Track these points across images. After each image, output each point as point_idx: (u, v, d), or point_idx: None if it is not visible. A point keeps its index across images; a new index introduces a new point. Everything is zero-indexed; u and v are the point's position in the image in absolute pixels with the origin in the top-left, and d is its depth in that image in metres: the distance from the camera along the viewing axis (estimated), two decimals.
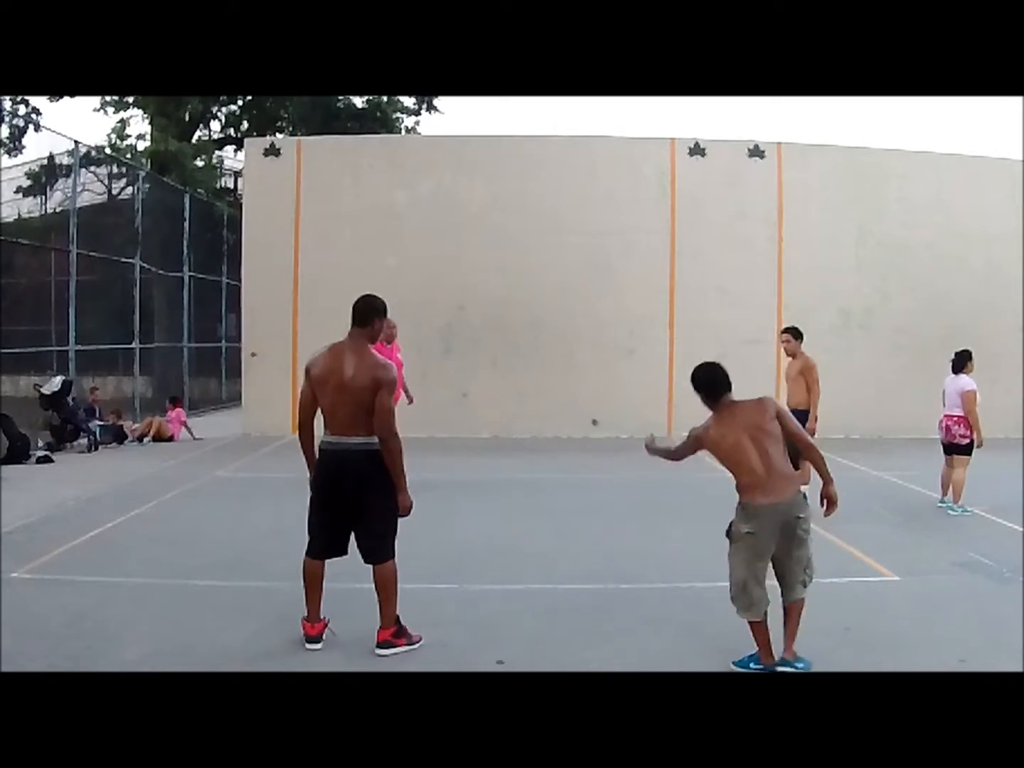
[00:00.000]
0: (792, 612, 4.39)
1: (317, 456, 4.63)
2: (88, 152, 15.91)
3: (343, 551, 4.64)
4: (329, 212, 13.91)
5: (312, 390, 4.56)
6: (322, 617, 4.64)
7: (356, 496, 4.50)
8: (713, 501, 8.54)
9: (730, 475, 4.32)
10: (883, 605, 5.48)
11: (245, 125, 22.83)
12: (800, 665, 4.36)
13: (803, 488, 7.80)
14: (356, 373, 4.45)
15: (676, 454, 4.59)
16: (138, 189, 16.43)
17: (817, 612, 5.28)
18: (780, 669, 4.31)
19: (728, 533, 4.37)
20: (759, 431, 4.22)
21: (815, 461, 4.37)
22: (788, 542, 4.25)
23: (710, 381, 4.38)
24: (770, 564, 4.33)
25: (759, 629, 4.35)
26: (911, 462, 11.14)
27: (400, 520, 4.62)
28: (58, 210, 16.04)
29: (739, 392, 4.31)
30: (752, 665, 4.40)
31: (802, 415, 7.93)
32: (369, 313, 4.63)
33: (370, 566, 4.58)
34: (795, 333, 8.27)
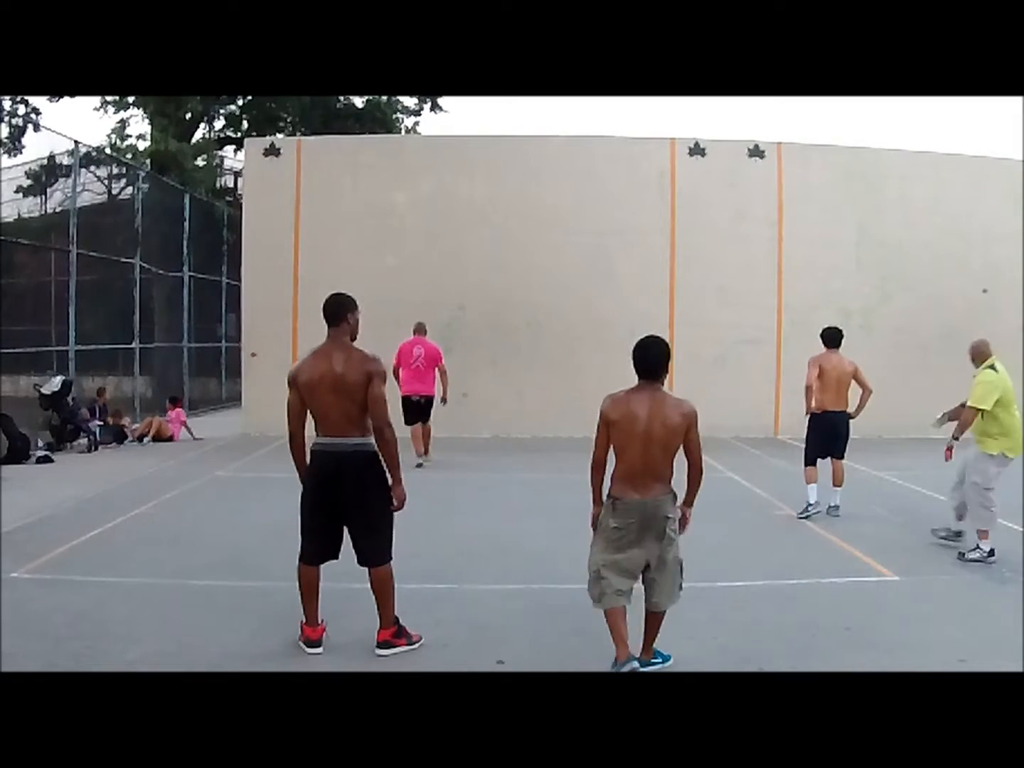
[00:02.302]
0: (654, 620, 4.31)
1: (310, 459, 4.60)
2: (88, 152, 15.90)
3: (336, 555, 4.63)
4: (329, 212, 13.91)
5: (300, 398, 4.50)
6: (321, 620, 4.63)
7: (353, 499, 4.48)
8: (711, 501, 8.55)
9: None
10: (883, 605, 5.48)
11: (245, 125, 22.83)
12: (658, 660, 4.31)
13: (836, 489, 7.93)
14: (347, 370, 4.42)
15: (598, 453, 4.26)
16: (138, 189, 16.44)
17: (817, 612, 5.30)
18: (639, 668, 4.19)
19: (594, 524, 4.33)
20: (661, 429, 4.11)
21: (693, 481, 4.29)
22: (657, 542, 4.19)
23: (648, 361, 4.23)
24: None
25: (614, 622, 4.22)
26: (911, 462, 11.14)
27: (398, 519, 4.62)
28: (58, 210, 16.06)
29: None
30: (619, 667, 4.19)
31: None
32: (340, 310, 4.58)
33: (365, 567, 4.57)
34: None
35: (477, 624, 5.02)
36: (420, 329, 11.16)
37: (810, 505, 7.92)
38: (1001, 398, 6.47)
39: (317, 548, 4.59)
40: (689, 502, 4.36)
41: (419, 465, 10.67)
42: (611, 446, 4.26)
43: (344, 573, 4.78)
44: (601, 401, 4.29)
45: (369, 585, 4.58)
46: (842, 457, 8.12)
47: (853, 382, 8.19)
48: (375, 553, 4.54)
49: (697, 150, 14.15)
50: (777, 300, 14.05)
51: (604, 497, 4.33)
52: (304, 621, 4.60)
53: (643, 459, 4.15)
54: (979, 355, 6.72)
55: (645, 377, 4.24)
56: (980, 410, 6.48)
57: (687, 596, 5.30)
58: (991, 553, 6.40)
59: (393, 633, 4.55)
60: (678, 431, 4.14)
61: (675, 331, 13.92)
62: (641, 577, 4.30)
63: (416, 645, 4.60)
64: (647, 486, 4.16)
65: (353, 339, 4.59)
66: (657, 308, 13.79)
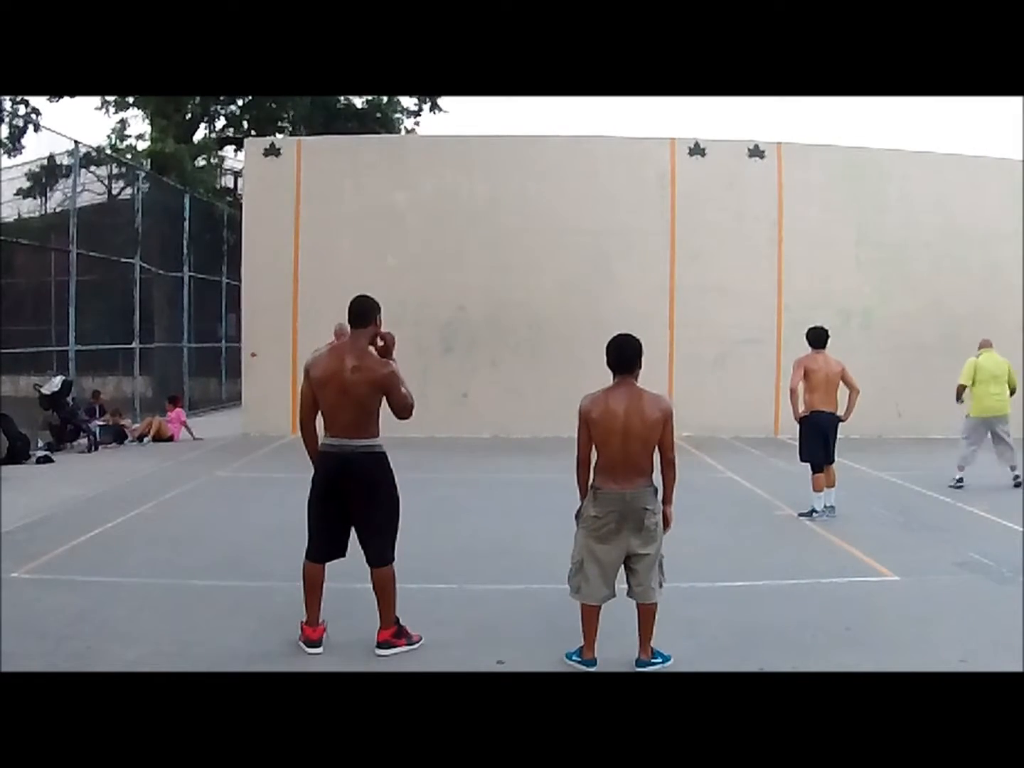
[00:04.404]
0: (645, 615, 4.38)
1: (318, 459, 4.62)
2: (88, 152, 15.90)
3: (343, 553, 4.64)
4: (329, 212, 13.91)
5: (312, 391, 4.55)
6: (321, 620, 4.63)
7: (360, 499, 4.49)
8: (712, 501, 8.56)
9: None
10: (883, 605, 5.48)
11: (245, 125, 22.84)
12: (658, 660, 4.36)
13: (829, 490, 7.93)
14: (357, 377, 4.44)
15: (581, 452, 4.41)
16: (138, 189, 16.43)
17: (817, 612, 5.30)
18: (638, 669, 4.32)
19: (577, 515, 4.43)
20: (640, 424, 4.23)
21: (668, 479, 4.40)
22: (637, 534, 4.27)
23: (618, 356, 4.36)
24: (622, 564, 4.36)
25: (588, 618, 4.36)
26: (911, 462, 11.15)
27: (401, 520, 4.63)
28: (58, 210, 16.05)
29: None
30: (575, 658, 4.40)
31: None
32: (368, 313, 4.60)
33: (368, 567, 4.58)
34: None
35: (477, 624, 5.02)
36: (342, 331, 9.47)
37: (815, 512, 7.90)
38: (977, 375, 9.47)
39: (323, 547, 4.60)
40: (668, 500, 4.43)
41: None
42: (592, 444, 4.36)
43: (344, 573, 4.79)
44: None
45: (370, 585, 4.58)
46: (832, 461, 8.06)
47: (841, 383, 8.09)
48: (378, 553, 4.55)
49: (697, 150, 14.14)
50: (777, 300, 14.04)
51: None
52: (304, 621, 4.60)
53: (623, 453, 4.26)
54: (980, 347, 9.78)
55: (621, 373, 4.36)
56: (962, 384, 9.55)
57: (687, 596, 5.33)
58: (960, 481, 9.42)
59: (393, 633, 4.55)
60: (656, 426, 4.26)
61: (675, 331, 13.94)
62: (624, 569, 4.38)
63: (416, 645, 4.60)
64: (628, 479, 4.27)
65: (373, 343, 4.58)
66: (657, 308, 13.80)
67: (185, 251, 17.55)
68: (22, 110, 19.16)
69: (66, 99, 19.28)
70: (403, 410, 4.53)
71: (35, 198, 18.26)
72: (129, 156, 19.58)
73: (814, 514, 7.88)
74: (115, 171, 18.59)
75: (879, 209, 14.15)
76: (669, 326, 13.89)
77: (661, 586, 4.40)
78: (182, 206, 17.52)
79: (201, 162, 21.81)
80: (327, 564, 4.64)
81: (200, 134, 22.84)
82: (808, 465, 8.01)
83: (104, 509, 8.10)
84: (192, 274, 17.80)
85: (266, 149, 14.34)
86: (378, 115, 22.83)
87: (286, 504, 7.19)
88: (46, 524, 7.54)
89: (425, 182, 14.03)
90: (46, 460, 11.06)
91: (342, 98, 22.38)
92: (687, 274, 13.94)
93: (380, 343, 4.57)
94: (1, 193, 16.33)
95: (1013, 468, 9.54)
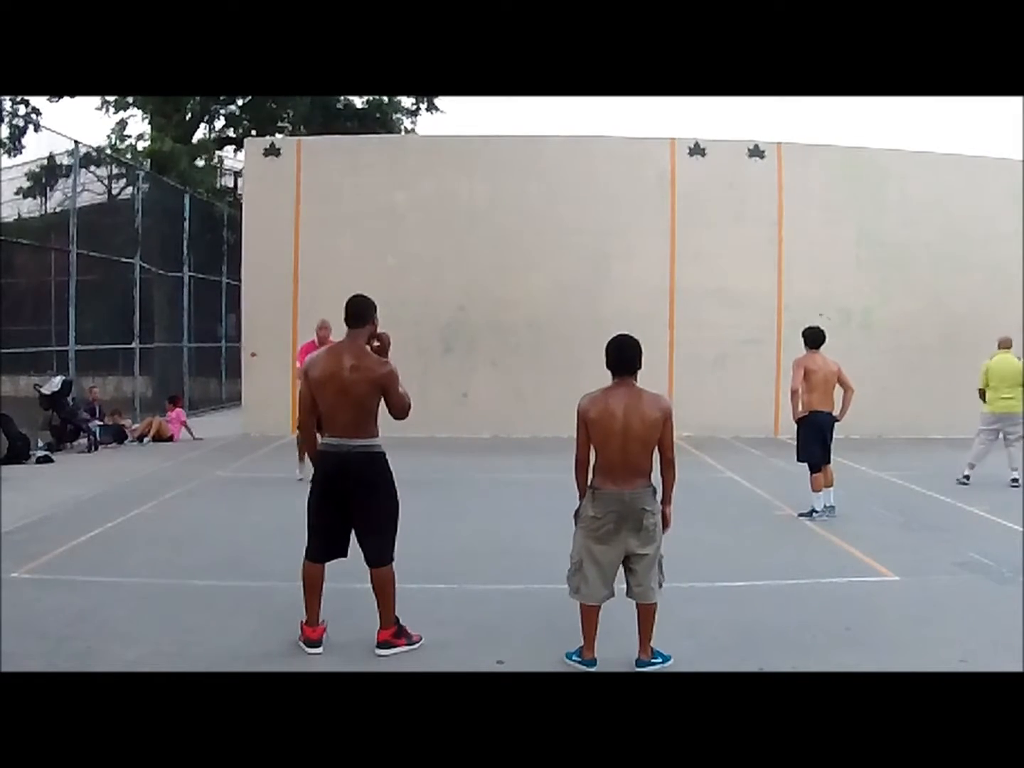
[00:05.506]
0: (645, 615, 4.38)
1: (317, 459, 4.62)
2: (88, 152, 15.90)
3: (343, 553, 4.64)
4: (329, 212, 13.92)
5: (311, 392, 4.55)
6: (321, 620, 4.63)
7: (359, 499, 4.50)
8: (712, 501, 8.56)
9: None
10: (883, 605, 5.48)
11: (245, 125, 22.83)
12: (658, 660, 4.36)
13: (828, 490, 7.93)
14: (356, 376, 4.44)
15: (580, 453, 4.41)
16: (138, 189, 16.43)
17: (817, 612, 5.30)
18: (637, 669, 4.32)
19: (576, 515, 4.42)
20: (639, 424, 4.22)
21: (667, 479, 4.40)
22: (635, 535, 4.27)
23: (618, 356, 4.36)
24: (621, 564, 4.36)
25: (587, 618, 4.37)
26: (911, 462, 11.15)
27: (400, 520, 4.63)
28: (58, 210, 16.03)
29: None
30: (575, 658, 4.40)
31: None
32: (364, 312, 4.60)
33: (368, 567, 4.58)
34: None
35: (477, 624, 5.02)
36: (324, 326, 9.19)
37: (815, 512, 7.90)
38: (988, 379, 9.85)
39: (323, 546, 4.60)
40: (668, 500, 4.42)
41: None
42: (591, 444, 4.36)
43: (344, 573, 4.79)
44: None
45: (370, 585, 4.58)
46: (829, 461, 8.05)
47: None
48: (377, 553, 4.55)
49: (697, 150, 14.15)
50: (777, 300, 14.04)
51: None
52: (304, 621, 4.60)
53: (622, 454, 4.26)
54: (999, 346, 10.03)
55: (621, 373, 4.35)
56: (981, 388, 9.98)
57: (687, 596, 5.33)
58: (967, 478, 9.72)
59: (393, 633, 4.55)
60: (655, 426, 4.26)
61: (675, 331, 13.94)
62: (624, 569, 4.38)
63: (416, 645, 4.60)
64: (627, 479, 4.27)
65: (369, 343, 4.58)
66: (657, 308, 13.80)
67: (185, 251, 17.54)
68: (22, 110, 19.15)
69: (66, 99, 19.28)
70: (401, 410, 4.54)
71: (35, 198, 18.23)
72: (129, 156, 19.58)
73: (814, 514, 7.88)
74: (115, 171, 18.57)
75: (879, 209, 14.15)
76: (669, 326, 13.89)
77: (661, 586, 4.40)
78: (182, 206, 17.51)
79: (201, 162, 21.78)
80: (327, 564, 4.64)
81: (200, 134, 22.84)
82: (807, 465, 8.01)
83: (104, 509, 8.10)
84: (192, 274, 17.79)
85: (266, 149, 14.34)
86: (378, 115, 22.83)
87: (286, 504, 7.19)
88: (46, 524, 7.54)
89: (425, 182, 14.03)
90: (46, 460, 11.06)
91: (342, 98, 22.37)
92: (687, 274, 13.94)
93: (376, 343, 4.57)
94: (1, 193, 16.30)
95: (1015, 469, 9.57)
